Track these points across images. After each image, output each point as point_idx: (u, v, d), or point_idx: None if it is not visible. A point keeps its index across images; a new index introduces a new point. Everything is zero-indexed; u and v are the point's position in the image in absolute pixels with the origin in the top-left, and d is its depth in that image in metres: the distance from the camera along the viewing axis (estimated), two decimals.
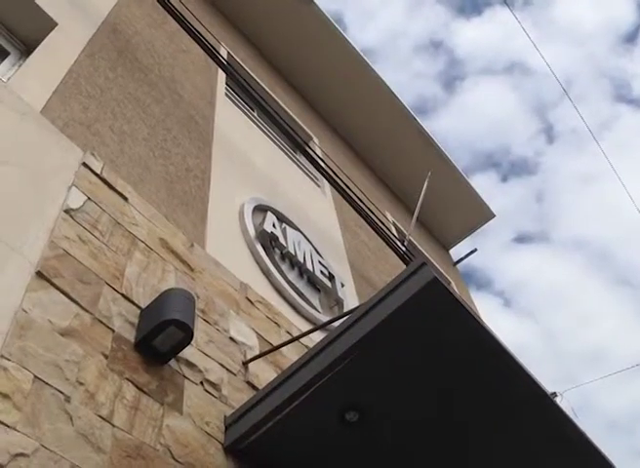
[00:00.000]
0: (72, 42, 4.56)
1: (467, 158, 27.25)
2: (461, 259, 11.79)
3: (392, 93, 10.66)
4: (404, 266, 6.70)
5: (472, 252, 11.67)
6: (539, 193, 27.51)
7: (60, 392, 2.39)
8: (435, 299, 2.81)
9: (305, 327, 4.57)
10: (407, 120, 10.88)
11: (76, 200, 3.27)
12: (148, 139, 4.57)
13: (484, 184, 27.56)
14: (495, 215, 12.02)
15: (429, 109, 27.37)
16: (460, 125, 27.98)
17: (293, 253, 5.23)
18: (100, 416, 2.47)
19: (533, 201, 27.45)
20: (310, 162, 6.78)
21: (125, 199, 3.68)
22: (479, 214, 11.95)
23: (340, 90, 10.37)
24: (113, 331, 2.84)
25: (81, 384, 2.49)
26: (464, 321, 2.88)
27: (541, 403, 3.08)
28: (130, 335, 2.91)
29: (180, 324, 2.88)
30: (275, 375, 3.52)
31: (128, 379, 2.72)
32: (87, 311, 2.79)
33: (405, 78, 27.10)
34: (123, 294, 3.06)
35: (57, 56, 4.27)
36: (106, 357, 2.70)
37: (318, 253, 5.85)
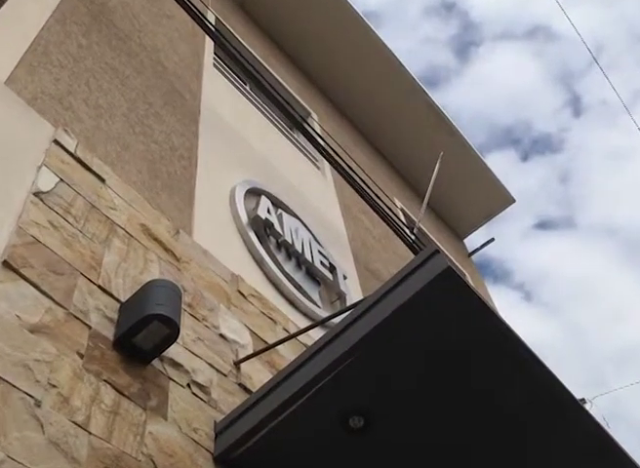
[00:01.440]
0: (40, 5, 4.52)
1: (483, 135, 27.17)
2: (477, 250, 11.79)
3: (399, 62, 10.62)
4: (412, 256, 6.70)
5: (489, 241, 11.66)
6: (563, 173, 27.45)
7: (30, 396, 2.38)
8: (449, 292, 2.80)
9: (304, 323, 4.57)
10: (416, 93, 10.85)
11: (47, 182, 3.25)
12: (128, 115, 4.55)
13: (502, 164, 27.49)
14: (514, 200, 12.02)
15: (440, 80, 27.25)
16: (474, 97, 27.88)
17: (290, 241, 5.22)
18: (74, 423, 2.46)
19: (557, 182, 27.39)
20: (309, 140, 6.77)
21: (102, 180, 3.67)
22: (497, 200, 11.94)
23: (341, 59, 10.33)
24: (90, 327, 2.83)
25: (53, 387, 2.48)
26: (482, 316, 2.87)
27: (570, 410, 3.08)
28: (108, 332, 2.90)
29: (165, 319, 2.87)
30: (270, 377, 3.52)
31: (106, 381, 2.71)
32: (60, 305, 2.77)
33: (413, 45, 26.97)
34: (100, 287, 3.05)
35: (22, 21, 4.23)
36: (82, 356, 2.68)
37: (318, 241, 5.84)
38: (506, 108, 28.31)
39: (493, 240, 11.61)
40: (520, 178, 26.66)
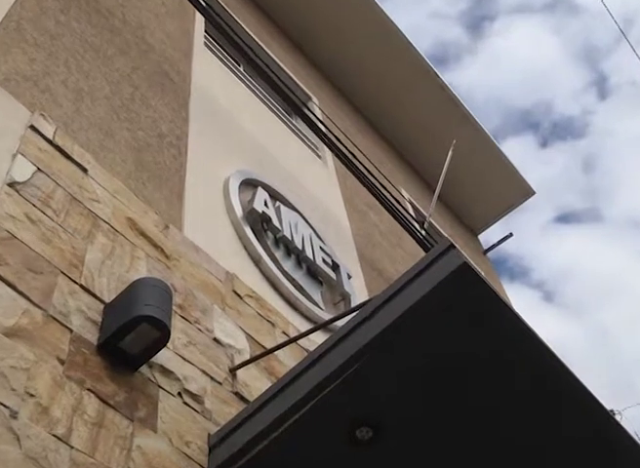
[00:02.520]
0: None
1: (498, 118, 27.12)
2: (494, 246, 11.80)
3: (407, 40, 10.59)
4: (423, 253, 6.69)
5: (507, 237, 11.66)
6: (587, 161, 27.42)
7: (5, 406, 2.37)
8: (466, 290, 2.79)
9: (305, 326, 4.57)
10: (426, 74, 10.84)
11: (23, 171, 3.24)
12: (111, 98, 4.54)
13: (519, 151, 27.44)
14: (534, 192, 12.02)
15: (450, 58, 27.19)
16: (488, 77, 27.82)
17: (289, 237, 5.22)
18: (54, 436, 2.45)
19: (580, 171, 27.35)
20: (309, 127, 6.74)
21: (84, 170, 3.67)
22: (515, 192, 11.94)
23: (344, 37, 10.32)
24: (71, 330, 2.82)
25: (31, 396, 2.47)
26: (502, 318, 2.87)
27: (601, 423, 3.07)
28: (92, 336, 2.89)
29: (154, 321, 2.86)
30: (269, 385, 3.51)
31: (89, 390, 2.70)
32: (38, 306, 2.76)
33: (420, 20, 26.86)
34: (82, 286, 3.04)
35: None
36: (63, 362, 2.68)
37: (319, 237, 5.84)
38: (524, 89, 28.21)
39: (511, 235, 11.62)
40: (539, 167, 26.62)
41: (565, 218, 27.84)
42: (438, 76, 10.91)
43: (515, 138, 27.47)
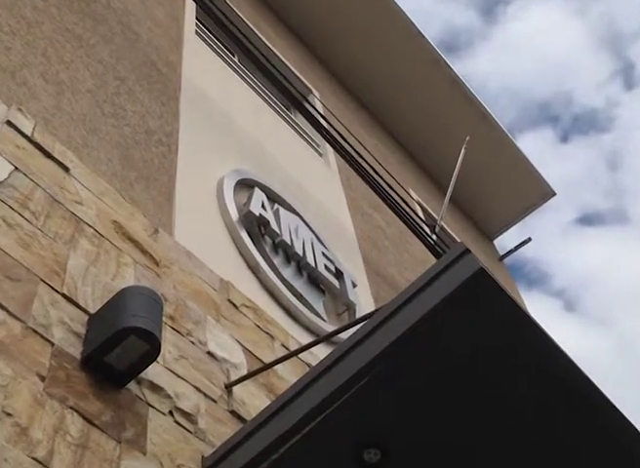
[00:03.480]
0: None
1: (514, 111, 27.08)
2: (511, 252, 11.80)
3: (417, 29, 10.60)
4: (434, 260, 6.70)
5: (525, 242, 11.67)
6: (612, 157, 27.36)
7: None
8: (483, 298, 2.79)
9: (306, 339, 4.57)
10: (437, 65, 10.86)
11: None
12: (95, 92, 4.54)
13: (537, 147, 27.36)
14: (555, 194, 12.03)
15: (461, 46, 27.18)
16: (503, 66, 27.80)
17: (288, 242, 5.23)
18: (34, 459, 2.44)
19: (604, 168, 27.29)
20: (310, 122, 6.76)
21: (65, 170, 3.67)
22: (534, 192, 11.96)
23: (347, 25, 10.34)
24: (52, 343, 2.82)
25: (8, 415, 2.46)
26: (523, 329, 2.86)
27: (636, 451, 3.06)
28: (75, 350, 2.88)
29: (143, 333, 2.85)
30: (268, 402, 3.50)
31: (72, 408, 2.69)
32: (16, 318, 2.76)
33: (428, 4, 26.82)
34: (65, 295, 3.04)
35: None
36: (43, 379, 2.67)
37: (321, 242, 5.84)
38: (542, 79, 28.21)
39: (529, 240, 11.62)
40: (559, 164, 26.60)
41: (588, 220, 27.81)
42: (449, 66, 10.93)
43: (533, 133, 27.44)
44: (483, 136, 11.00)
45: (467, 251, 2.87)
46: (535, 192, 11.96)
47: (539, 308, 27.61)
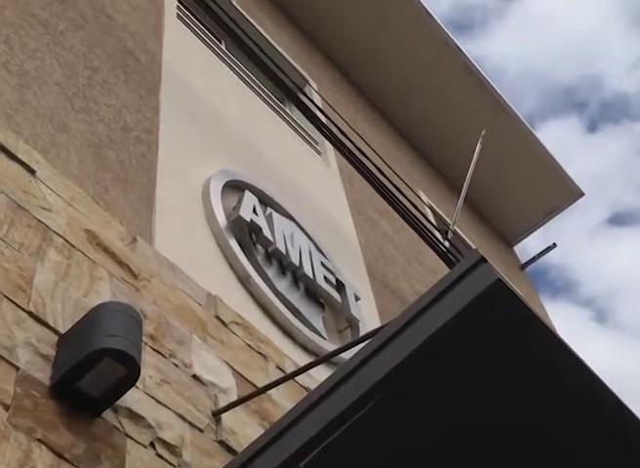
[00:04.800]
0: None
1: (535, 98, 27.03)
2: (533, 260, 11.82)
3: (425, 10, 10.60)
4: (447, 270, 6.70)
5: (549, 248, 11.68)
6: None
7: None
8: (500, 313, 2.78)
9: (304, 359, 4.57)
10: (448, 51, 10.85)
11: None
12: (64, 85, 4.54)
13: (562, 138, 27.34)
14: (583, 194, 12.02)
15: (475, 24, 27.13)
16: (522, 47, 27.71)
17: (283, 251, 5.23)
18: None
19: (636, 160, 27.23)
20: (307, 117, 6.76)
21: (31, 172, 3.66)
22: (559, 193, 11.97)
23: (347, 8, 10.33)
24: (17, 368, 2.81)
25: None
26: (547, 348, 2.85)
27: None
28: (43, 375, 2.88)
29: (120, 355, 2.85)
30: (261, 431, 3.50)
31: (40, 441, 2.68)
32: None
33: None
34: (31, 314, 3.03)
35: None
36: (7, 407, 2.66)
37: (320, 250, 5.85)
38: (566, 61, 28.20)
39: (554, 246, 11.63)
40: (587, 156, 26.53)
41: (619, 219, 27.81)
42: (461, 50, 10.91)
43: (556, 122, 27.39)
44: (500, 129, 10.99)
45: (483, 259, 2.87)
46: (560, 192, 11.95)
47: (565, 320, 27.59)
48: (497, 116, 11.10)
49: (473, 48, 28.05)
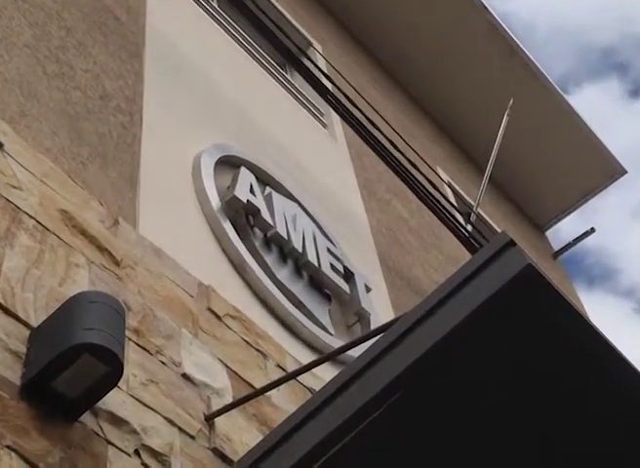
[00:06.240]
0: None
1: (569, 60, 26.94)
2: (568, 246, 11.78)
3: None
4: (468, 257, 6.72)
5: (586, 234, 11.64)
6: None
7: None
8: (530, 302, 2.79)
9: (308, 357, 4.58)
10: (469, 8, 10.80)
11: None
12: (35, 47, 4.54)
13: (600, 104, 27.16)
14: (625, 172, 11.97)
15: None
16: (554, 3, 27.51)
17: (284, 235, 5.23)
18: None
19: None
20: (310, 84, 6.75)
21: None
22: (597, 170, 11.94)
23: None
24: None
25: None
26: (582, 340, 2.86)
27: None
28: (13, 374, 2.88)
29: (100, 351, 2.85)
30: (260, 437, 3.51)
31: (10, 448, 2.69)
32: None
33: None
34: (0, 305, 3.03)
35: None
36: None
37: (326, 235, 5.84)
38: (604, 19, 28.06)
39: (592, 231, 11.58)
40: (628, 125, 26.39)
41: None
42: (488, 10, 10.89)
43: (594, 87, 27.33)
44: (531, 97, 10.94)
45: (512, 242, 2.87)
46: (599, 169, 11.91)
47: (603, 311, 27.55)
48: (526, 82, 11.07)
49: (498, 3, 27.92)
